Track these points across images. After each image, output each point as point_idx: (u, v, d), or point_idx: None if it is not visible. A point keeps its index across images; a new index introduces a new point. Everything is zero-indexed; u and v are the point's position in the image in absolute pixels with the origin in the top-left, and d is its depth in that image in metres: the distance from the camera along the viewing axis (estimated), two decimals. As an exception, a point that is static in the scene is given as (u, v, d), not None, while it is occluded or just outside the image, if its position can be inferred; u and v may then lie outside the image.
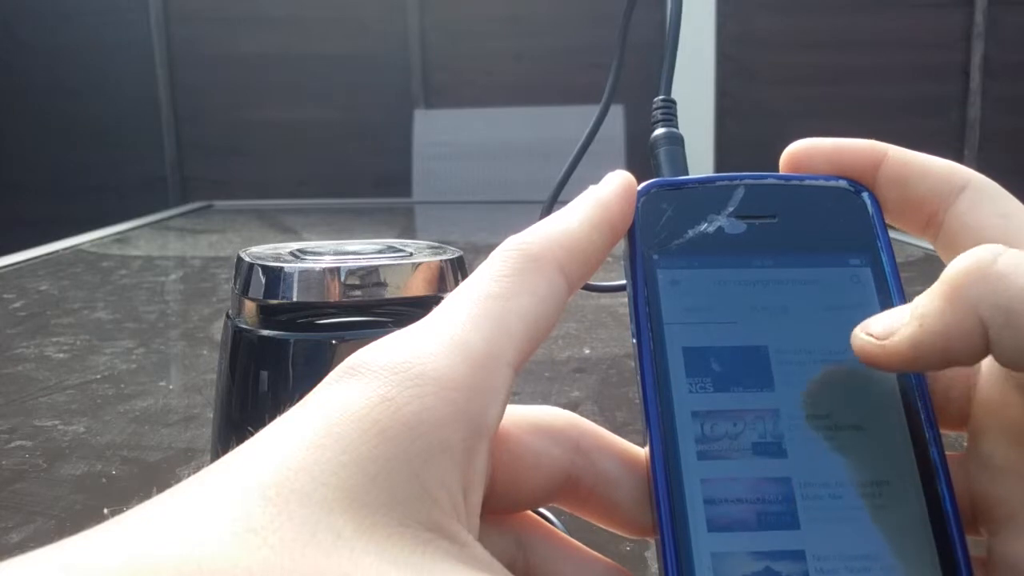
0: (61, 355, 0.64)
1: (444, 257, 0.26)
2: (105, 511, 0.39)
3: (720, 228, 0.18)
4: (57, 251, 1.11)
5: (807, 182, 0.19)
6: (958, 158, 2.58)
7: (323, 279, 0.24)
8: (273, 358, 0.25)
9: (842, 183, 0.19)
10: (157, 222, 1.43)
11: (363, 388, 0.15)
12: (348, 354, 0.24)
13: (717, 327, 0.17)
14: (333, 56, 2.67)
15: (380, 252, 0.27)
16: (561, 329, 0.70)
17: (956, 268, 0.15)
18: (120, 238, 1.25)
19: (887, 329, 0.16)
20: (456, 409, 0.15)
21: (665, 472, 0.15)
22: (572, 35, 2.64)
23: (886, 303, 0.17)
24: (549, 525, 0.18)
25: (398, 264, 0.25)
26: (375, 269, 0.25)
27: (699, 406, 0.16)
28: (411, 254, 0.26)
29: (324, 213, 1.67)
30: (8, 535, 0.37)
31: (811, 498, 0.15)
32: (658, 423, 0.16)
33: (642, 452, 0.18)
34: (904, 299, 0.17)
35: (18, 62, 2.70)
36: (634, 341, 0.17)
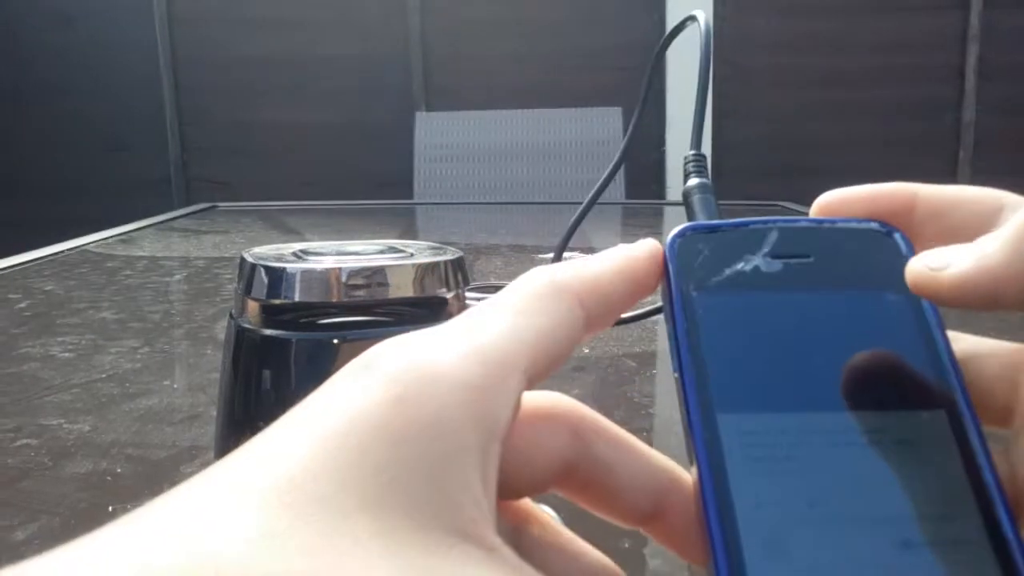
0: (66, 354, 0.65)
1: (445, 258, 0.27)
2: (110, 509, 0.39)
3: (756, 267, 0.18)
4: (62, 251, 1.11)
5: (839, 225, 0.19)
6: (953, 160, 2.58)
7: (325, 279, 0.25)
8: (276, 357, 0.26)
9: (873, 225, 0.19)
10: (162, 223, 1.44)
11: (377, 388, 0.14)
12: (350, 354, 0.25)
13: (760, 358, 0.17)
14: (335, 58, 2.67)
15: (381, 253, 0.27)
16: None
17: (1022, 216, 0.16)
18: (125, 239, 1.26)
19: (943, 262, 0.16)
20: (471, 410, 0.14)
21: (717, 504, 0.15)
22: (573, 38, 2.64)
23: (925, 332, 0.18)
24: (544, 514, 0.19)
25: (399, 264, 0.26)
26: (377, 269, 0.25)
27: (747, 436, 0.16)
28: (412, 255, 0.27)
29: (326, 214, 1.68)
30: (13, 533, 0.37)
31: (865, 524, 0.15)
32: (706, 454, 0.16)
33: (638, 441, 0.18)
34: (943, 328, 0.18)
35: (23, 64, 2.71)
36: (676, 375, 0.17)
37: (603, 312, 0.17)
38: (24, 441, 0.48)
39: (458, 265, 0.27)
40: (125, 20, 2.68)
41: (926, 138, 2.61)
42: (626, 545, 0.35)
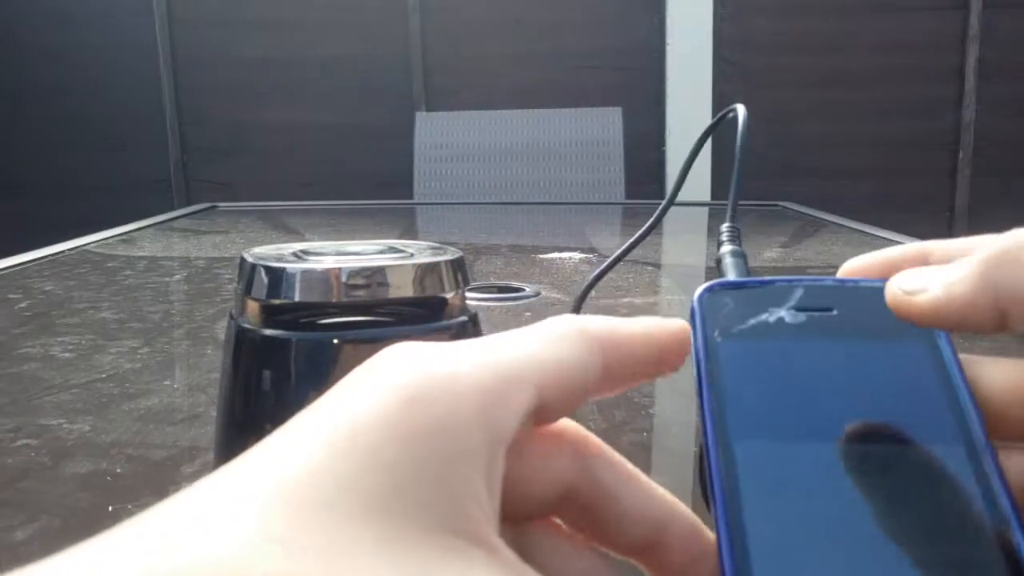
0: (66, 354, 0.65)
1: (445, 258, 0.27)
2: (110, 509, 0.40)
3: (781, 318, 0.19)
4: (63, 251, 1.11)
5: (863, 284, 0.20)
6: (953, 160, 2.57)
7: (325, 279, 0.25)
8: (276, 357, 0.26)
9: None
10: (162, 223, 1.44)
11: (388, 389, 0.14)
12: (350, 354, 0.25)
13: (780, 397, 0.18)
14: (335, 58, 2.68)
15: (381, 253, 0.27)
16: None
17: (992, 248, 0.17)
18: (125, 239, 1.26)
19: (918, 286, 0.18)
20: (479, 413, 0.15)
21: (729, 536, 0.15)
22: (572, 38, 2.64)
23: (946, 380, 0.18)
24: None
25: (399, 265, 0.26)
26: (376, 270, 0.25)
27: (765, 470, 0.16)
28: (412, 255, 0.27)
29: (326, 214, 1.68)
30: (13, 533, 0.37)
31: (879, 551, 0.15)
32: (722, 486, 0.16)
33: (639, 472, 0.18)
34: (965, 378, 0.18)
35: (23, 65, 2.71)
36: (701, 407, 0.18)
37: (622, 368, 0.18)
38: (24, 441, 0.48)
39: (458, 265, 0.27)
40: (125, 20, 2.68)
41: (926, 138, 2.61)
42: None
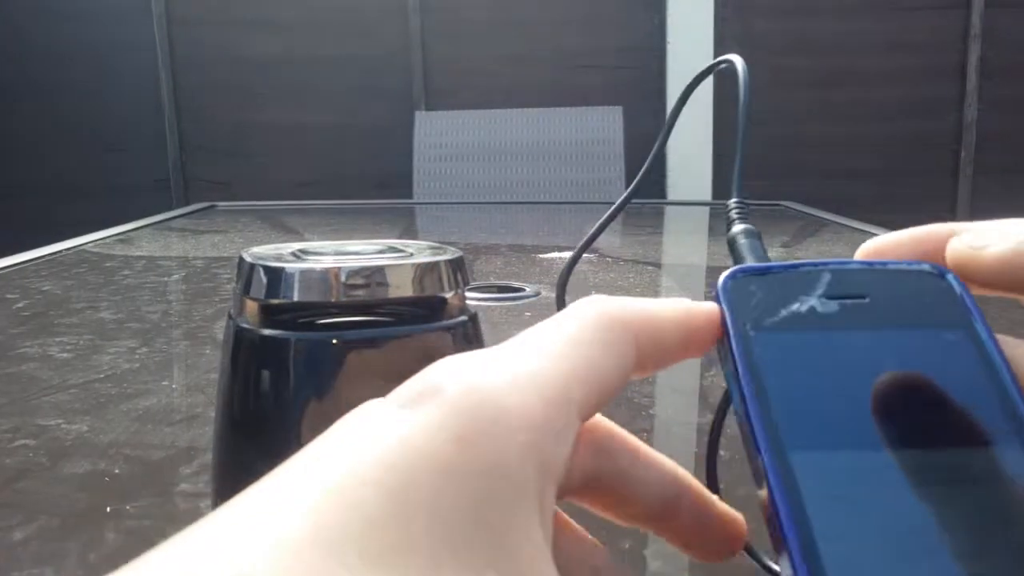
0: (64, 355, 0.64)
1: (444, 257, 0.26)
2: (107, 509, 0.39)
3: (812, 307, 0.18)
4: (61, 251, 1.11)
5: (891, 267, 0.19)
6: (955, 159, 2.57)
7: (324, 279, 0.25)
8: (274, 357, 0.26)
9: (925, 267, 0.19)
10: (160, 223, 1.44)
11: (437, 424, 0.14)
12: (349, 353, 0.25)
13: (826, 395, 0.17)
14: (335, 58, 2.68)
15: (381, 252, 0.27)
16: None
17: None
18: (123, 238, 1.26)
19: (984, 241, 0.17)
20: (529, 450, 0.14)
21: (800, 540, 0.15)
22: (571, 38, 2.65)
23: (987, 367, 0.18)
24: (555, 510, 0.19)
25: (399, 264, 0.25)
26: (376, 269, 0.25)
27: (820, 474, 0.16)
28: (412, 254, 0.27)
29: (326, 214, 1.68)
30: (11, 533, 0.37)
31: (943, 557, 0.15)
32: (783, 492, 0.16)
33: (648, 448, 0.18)
34: (1006, 361, 0.17)
35: (22, 64, 2.71)
36: (738, 411, 0.17)
37: (654, 355, 0.17)
38: (22, 441, 0.47)
39: (458, 265, 0.27)
40: (124, 20, 2.68)
41: (927, 138, 2.61)
42: (627, 546, 0.35)
